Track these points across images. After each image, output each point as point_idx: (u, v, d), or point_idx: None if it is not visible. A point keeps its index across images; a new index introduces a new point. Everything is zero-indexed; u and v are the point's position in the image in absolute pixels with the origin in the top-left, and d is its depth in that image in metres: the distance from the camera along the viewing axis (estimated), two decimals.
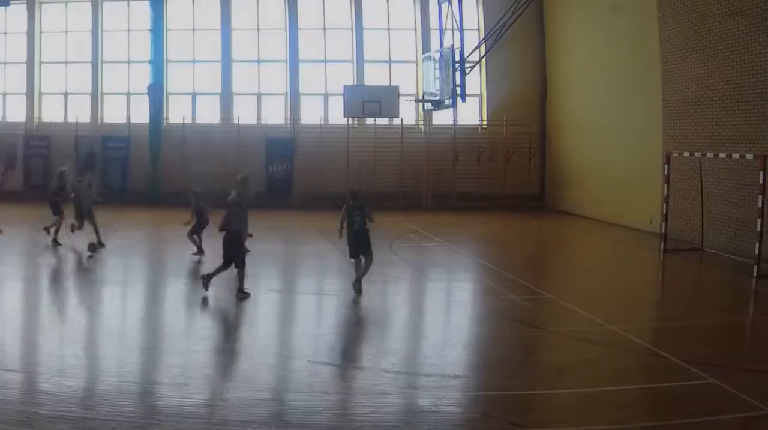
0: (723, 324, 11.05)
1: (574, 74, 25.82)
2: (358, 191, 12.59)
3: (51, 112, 28.08)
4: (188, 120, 27.77)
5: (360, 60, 28.02)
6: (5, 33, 27.92)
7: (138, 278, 13.53)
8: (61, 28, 28.16)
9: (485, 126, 28.08)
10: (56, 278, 13.82)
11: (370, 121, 27.62)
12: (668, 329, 10.79)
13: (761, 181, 14.12)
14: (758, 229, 14.26)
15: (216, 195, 25.45)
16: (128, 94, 28.08)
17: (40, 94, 28.29)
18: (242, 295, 11.70)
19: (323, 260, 16.76)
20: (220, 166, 26.81)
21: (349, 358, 9.31)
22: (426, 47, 27.74)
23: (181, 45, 28.20)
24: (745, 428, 6.98)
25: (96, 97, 27.92)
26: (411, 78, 28.17)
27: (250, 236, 12.76)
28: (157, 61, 26.97)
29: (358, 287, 12.11)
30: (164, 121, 27.40)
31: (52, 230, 16.84)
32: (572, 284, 14.63)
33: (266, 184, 26.73)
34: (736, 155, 15.68)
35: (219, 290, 12.67)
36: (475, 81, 27.73)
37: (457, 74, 24.79)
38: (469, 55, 26.06)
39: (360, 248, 12.18)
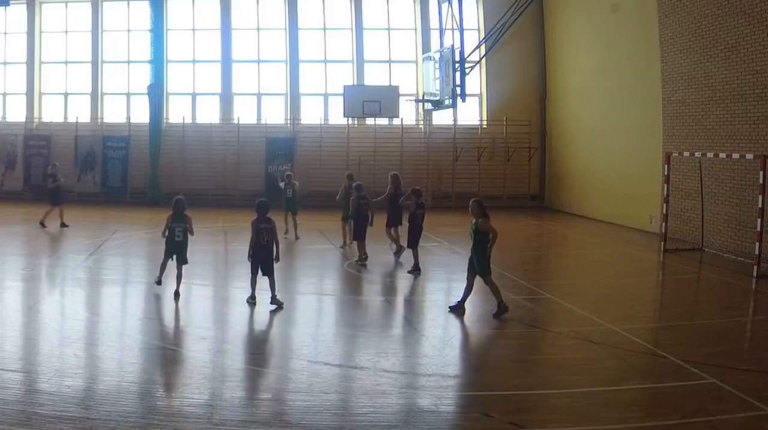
0: (723, 324, 11.04)
1: (574, 74, 25.82)
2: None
3: (51, 112, 28.09)
4: (188, 120, 27.79)
5: (360, 60, 28.03)
6: (5, 33, 27.95)
7: (138, 278, 13.50)
8: (61, 28, 28.18)
9: (485, 126, 28.09)
10: (57, 277, 13.80)
11: (370, 121, 27.62)
12: (668, 329, 10.80)
13: (761, 181, 14.13)
14: (758, 229, 14.27)
15: (214, 194, 25.42)
16: (128, 94, 28.09)
17: (40, 94, 28.30)
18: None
19: (323, 259, 16.77)
20: (221, 166, 26.89)
21: (349, 358, 9.30)
22: (426, 47, 27.75)
23: (181, 45, 28.21)
24: (745, 428, 6.97)
25: (96, 97, 27.94)
26: (411, 78, 28.19)
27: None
28: (157, 61, 26.96)
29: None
30: (164, 121, 27.40)
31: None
32: (572, 284, 14.65)
33: (265, 185, 26.74)
34: (736, 155, 15.69)
35: (218, 290, 12.70)
36: (475, 81, 27.75)
37: (457, 74, 24.81)
38: (469, 55, 26.09)
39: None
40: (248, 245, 11.50)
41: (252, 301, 11.40)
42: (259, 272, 11.34)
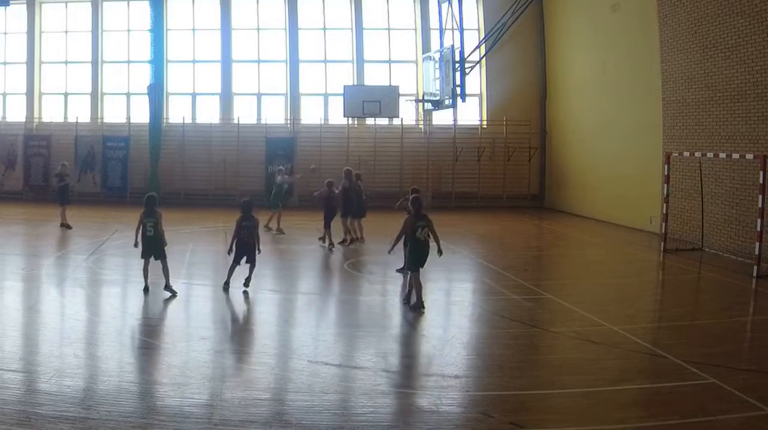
0: (723, 324, 11.04)
1: (574, 74, 25.82)
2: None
3: (51, 112, 28.11)
4: (188, 120, 27.79)
5: (360, 60, 28.03)
6: (5, 33, 27.96)
7: (138, 278, 13.49)
8: (61, 28, 28.18)
9: (485, 126, 28.09)
10: (57, 277, 13.80)
11: (370, 121, 27.63)
12: (668, 329, 10.79)
13: (761, 181, 14.13)
14: (758, 229, 14.27)
15: (214, 194, 25.39)
16: (128, 94, 28.11)
17: (40, 94, 28.31)
18: None
19: (323, 259, 16.76)
20: (221, 166, 26.89)
21: (349, 358, 9.30)
22: (426, 47, 27.75)
23: (181, 45, 28.22)
24: (745, 428, 6.97)
25: (96, 97, 27.95)
26: (411, 78, 28.20)
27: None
28: (157, 61, 26.96)
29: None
30: (164, 121, 27.40)
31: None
32: (572, 284, 14.65)
33: (265, 185, 26.72)
34: (736, 155, 15.69)
35: (218, 290, 12.68)
36: (475, 81, 27.76)
37: (457, 74, 24.81)
38: (469, 55, 26.09)
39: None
40: (230, 240, 12.44)
41: (226, 287, 12.22)
42: (242, 261, 12.36)
